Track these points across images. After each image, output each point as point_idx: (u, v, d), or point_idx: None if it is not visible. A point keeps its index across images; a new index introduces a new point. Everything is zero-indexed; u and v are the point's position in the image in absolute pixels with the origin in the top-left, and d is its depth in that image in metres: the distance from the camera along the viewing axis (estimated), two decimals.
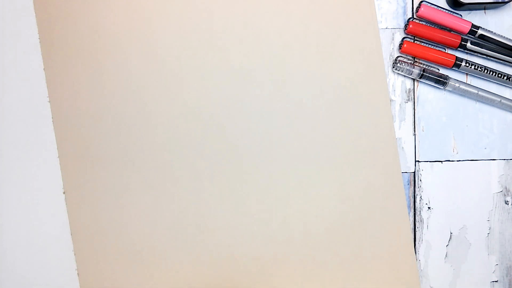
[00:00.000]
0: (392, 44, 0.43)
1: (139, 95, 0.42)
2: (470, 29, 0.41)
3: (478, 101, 0.43)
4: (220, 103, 0.42)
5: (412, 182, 0.43)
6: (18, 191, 0.42)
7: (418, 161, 0.43)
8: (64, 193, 0.42)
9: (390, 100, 0.43)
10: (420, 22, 0.42)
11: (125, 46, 0.42)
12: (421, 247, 0.44)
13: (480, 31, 0.41)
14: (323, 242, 0.43)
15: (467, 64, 0.42)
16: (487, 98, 0.42)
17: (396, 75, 0.43)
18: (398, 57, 0.42)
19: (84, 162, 0.42)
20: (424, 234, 0.44)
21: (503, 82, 0.43)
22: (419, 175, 0.43)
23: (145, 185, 0.42)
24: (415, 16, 0.42)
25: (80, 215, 0.42)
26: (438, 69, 0.42)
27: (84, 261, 0.42)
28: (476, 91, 0.42)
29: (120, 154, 0.42)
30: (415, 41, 0.42)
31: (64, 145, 0.42)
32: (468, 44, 0.41)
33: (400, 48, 0.42)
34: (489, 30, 0.41)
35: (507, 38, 0.42)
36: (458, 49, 0.42)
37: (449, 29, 0.42)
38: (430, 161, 0.43)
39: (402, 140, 0.43)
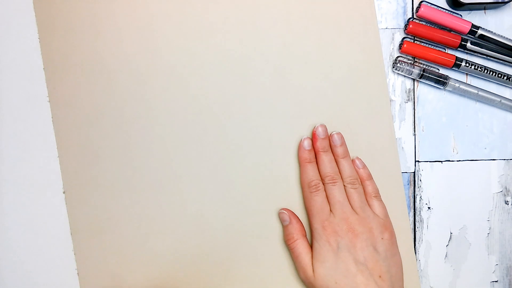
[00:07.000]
0: (392, 44, 0.43)
1: (139, 94, 0.42)
2: (470, 29, 0.41)
3: (478, 101, 0.43)
4: (220, 102, 0.42)
5: (412, 182, 0.43)
6: (18, 191, 0.42)
7: (418, 161, 0.43)
8: (64, 193, 0.42)
9: (390, 100, 0.43)
10: (420, 22, 0.42)
11: (125, 46, 0.42)
12: (421, 247, 0.44)
13: (480, 31, 0.41)
14: None
15: (467, 64, 0.42)
16: (487, 98, 0.42)
17: (396, 75, 0.43)
18: (398, 57, 0.42)
19: (84, 162, 0.42)
20: (424, 234, 0.44)
21: (503, 82, 0.43)
22: (419, 175, 0.43)
23: (145, 185, 0.42)
24: (415, 16, 0.42)
25: (80, 215, 0.42)
26: (438, 69, 0.42)
27: (84, 261, 0.42)
28: (476, 91, 0.42)
29: (120, 153, 0.42)
30: (415, 41, 0.42)
31: (64, 145, 0.42)
32: (468, 44, 0.41)
33: (400, 48, 0.42)
34: (489, 30, 0.41)
35: (507, 38, 0.42)
36: (458, 49, 0.42)
37: (449, 29, 0.42)
38: (430, 161, 0.43)
39: (402, 140, 0.43)
